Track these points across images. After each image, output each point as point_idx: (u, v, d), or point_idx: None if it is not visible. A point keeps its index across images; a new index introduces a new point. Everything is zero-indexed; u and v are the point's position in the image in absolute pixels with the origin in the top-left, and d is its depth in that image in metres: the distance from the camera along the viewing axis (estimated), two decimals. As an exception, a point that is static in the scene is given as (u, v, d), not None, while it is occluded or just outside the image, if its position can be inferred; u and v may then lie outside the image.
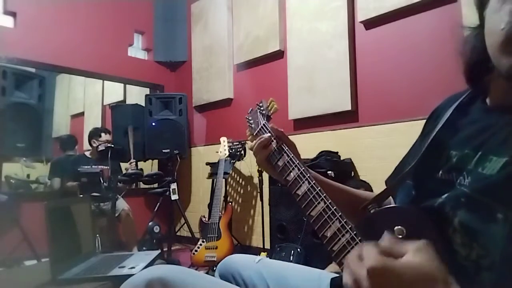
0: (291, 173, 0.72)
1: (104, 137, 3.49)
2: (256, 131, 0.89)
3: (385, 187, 0.69)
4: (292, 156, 0.75)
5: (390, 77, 2.57)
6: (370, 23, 2.68)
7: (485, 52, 0.56)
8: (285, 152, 0.77)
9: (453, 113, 0.63)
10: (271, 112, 0.93)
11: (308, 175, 0.70)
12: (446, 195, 0.55)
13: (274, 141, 0.81)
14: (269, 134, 0.83)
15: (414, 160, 0.63)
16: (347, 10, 2.74)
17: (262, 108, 0.94)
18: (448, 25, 2.30)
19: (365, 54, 2.72)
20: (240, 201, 3.62)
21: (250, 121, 0.95)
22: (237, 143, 3.29)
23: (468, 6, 2.15)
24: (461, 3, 2.21)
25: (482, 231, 0.48)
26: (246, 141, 3.28)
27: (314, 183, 0.67)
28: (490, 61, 0.55)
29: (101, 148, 3.26)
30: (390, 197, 0.71)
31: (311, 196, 0.65)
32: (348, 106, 2.71)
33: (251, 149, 0.85)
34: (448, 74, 2.25)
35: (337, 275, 0.77)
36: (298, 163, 0.73)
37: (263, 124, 0.88)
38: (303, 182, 0.69)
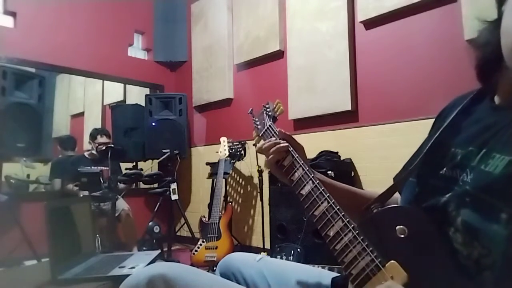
0: (296, 173, 0.73)
1: (100, 139, 3.46)
2: (262, 132, 0.89)
3: (389, 186, 0.69)
4: (297, 157, 0.76)
5: (390, 77, 2.58)
6: (370, 23, 2.68)
7: (499, 49, 0.55)
8: (290, 153, 0.77)
9: (459, 112, 0.63)
10: (277, 113, 0.94)
11: (312, 175, 0.70)
12: (449, 194, 0.55)
13: (283, 141, 0.82)
14: (274, 138, 0.83)
15: (418, 158, 0.63)
16: (347, 10, 2.74)
17: (268, 110, 0.95)
18: (448, 25, 2.31)
19: (365, 54, 2.72)
20: (240, 201, 3.62)
21: (257, 122, 0.95)
22: (237, 143, 3.29)
23: (468, 6, 2.15)
24: (461, 3, 2.21)
25: (485, 230, 0.48)
26: (247, 141, 3.28)
27: (318, 183, 0.68)
28: (503, 59, 0.54)
29: (100, 148, 3.26)
30: (395, 195, 0.71)
31: (315, 196, 0.66)
32: (348, 106, 2.71)
33: (258, 151, 0.85)
34: (448, 74, 2.26)
35: (338, 274, 0.77)
36: (302, 164, 0.74)
37: (269, 125, 0.89)
38: (307, 182, 0.69)
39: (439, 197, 0.56)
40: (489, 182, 0.50)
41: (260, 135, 0.90)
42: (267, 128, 0.88)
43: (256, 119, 0.96)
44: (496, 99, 0.60)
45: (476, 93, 0.65)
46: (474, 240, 0.49)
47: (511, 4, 0.53)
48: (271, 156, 0.81)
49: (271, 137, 0.85)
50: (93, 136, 3.49)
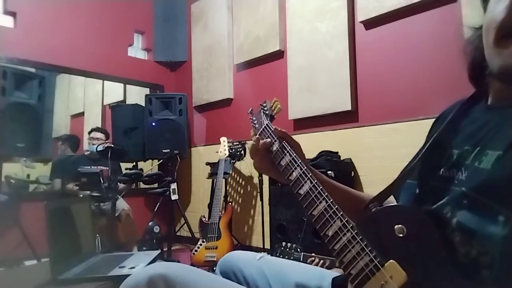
0: (293, 173, 0.72)
1: (92, 134, 3.50)
2: (260, 131, 0.88)
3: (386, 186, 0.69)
4: (295, 156, 0.75)
5: (390, 77, 2.58)
6: (370, 23, 2.68)
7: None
8: (288, 152, 0.77)
9: (455, 115, 0.65)
10: (275, 112, 0.94)
11: (310, 174, 0.70)
12: (446, 197, 0.55)
13: (277, 141, 0.81)
14: (268, 140, 0.83)
15: (416, 160, 0.64)
16: (347, 10, 2.74)
17: (265, 108, 0.94)
18: (448, 25, 2.31)
19: (365, 54, 2.72)
20: (240, 201, 3.62)
21: (254, 121, 0.94)
22: (237, 143, 3.29)
23: (468, 6, 2.15)
24: (461, 3, 2.21)
25: (482, 231, 0.48)
26: (247, 141, 3.28)
27: (316, 183, 0.67)
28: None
29: (100, 148, 3.26)
30: (390, 199, 0.71)
31: (313, 196, 0.66)
32: (348, 106, 2.71)
33: (251, 151, 0.85)
34: (448, 74, 2.26)
35: (339, 274, 0.77)
36: (300, 163, 0.73)
37: (266, 124, 0.88)
38: (305, 182, 0.69)
39: (437, 199, 0.56)
40: (483, 179, 0.51)
41: (258, 134, 0.89)
42: (264, 127, 0.88)
43: (254, 118, 0.95)
44: (490, 100, 0.62)
45: (473, 95, 0.67)
46: (472, 239, 0.50)
47: (490, 6, 0.55)
48: (257, 155, 0.82)
49: (268, 136, 0.84)
50: (89, 132, 3.55)
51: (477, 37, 0.61)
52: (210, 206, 3.18)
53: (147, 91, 4.28)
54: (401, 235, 0.53)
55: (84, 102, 4.56)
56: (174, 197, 3.34)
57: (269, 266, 0.85)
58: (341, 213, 0.60)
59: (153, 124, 3.69)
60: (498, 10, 0.53)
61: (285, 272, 0.83)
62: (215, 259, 2.63)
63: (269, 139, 0.82)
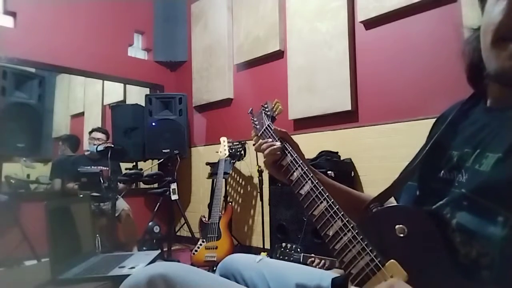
0: (295, 173, 0.73)
1: (93, 134, 3.49)
2: (261, 132, 0.89)
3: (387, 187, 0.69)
4: (296, 156, 0.76)
5: (390, 77, 2.58)
6: (370, 23, 2.68)
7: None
8: (289, 152, 0.78)
9: (455, 116, 0.65)
10: (276, 113, 0.94)
11: (311, 174, 0.71)
12: (446, 198, 0.55)
13: (278, 142, 0.82)
14: (270, 140, 0.84)
15: (416, 161, 0.64)
16: (347, 10, 2.74)
17: (267, 109, 0.95)
18: (448, 25, 2.31)
19: (365, 54, 2.72)
20: (240, 201, 3.62)
21: (255, 122, 0.95)
22: (237, 143, 3.29)
23: (468, 6, 2.15)
24: (461, 3, 2.21)
25: (481, 232, 0.48)
26: (247, 141, 3.28)
27: (316, 183, 0.68)
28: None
29: (100, 148, 3.26)
30: (390, 200, 0.72)
31: (314, 196, 0.66)
32: (348, 106, 2.71)
33: (256, 150, 0.86)
34: (448, 74, 2.26)
35: (339, 275, 0.77)
36: (301, 163, 0.74)
37: (268, 125, 0.89)
38: (306, 182, 0.69)
39: (437, 200, 0.56)
40: (483, 181, 0.51)
41: (259, 135, 0.90)
42: (266, 128, 0.89)
43: (255, 119, 0.96)
44: (488, 101, 0.62)
45: (472, 95, 0.67)
46: (472, 240, 0.50)
47: (488, 8, 0.56)
48: (266, 157, 0.82)
49: (269, 137, 0.85)
50: (90, 132, 3.55)
51: (475, 38, 0.61)
52: (210, 206, 3.18)
53: (147, 91, 4.28)
54: (402, 235, 0.53)
55: (84, 102, 4.56)
56: (174, 197, 3.34)
57: (268, 268, 0.85)
58: (342, 213, 0.60)
59: (153, 124, 3.69)
60: (495, 12, 0.53)
61: (284, 274, 0.83)
62: (215, 259, 2.63)
63: (279, 146, 0.82)
